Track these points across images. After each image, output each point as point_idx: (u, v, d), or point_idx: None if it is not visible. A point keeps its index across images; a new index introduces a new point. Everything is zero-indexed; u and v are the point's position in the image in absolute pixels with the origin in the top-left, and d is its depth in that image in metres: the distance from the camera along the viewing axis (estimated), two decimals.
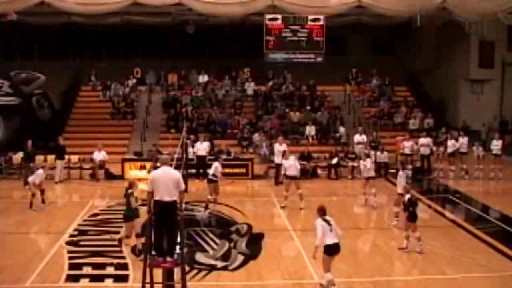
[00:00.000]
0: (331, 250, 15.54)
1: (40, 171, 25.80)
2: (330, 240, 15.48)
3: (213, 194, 24.82)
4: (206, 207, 24.62)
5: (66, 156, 32.20)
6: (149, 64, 44.64)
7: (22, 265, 18.09)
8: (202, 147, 31.80)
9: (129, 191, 19.02)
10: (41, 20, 38.98)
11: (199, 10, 36.01)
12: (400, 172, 23.17)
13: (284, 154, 27.86)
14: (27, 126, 35.59)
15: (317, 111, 40.63)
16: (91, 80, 44.33)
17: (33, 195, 25.10)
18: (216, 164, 24.89)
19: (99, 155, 31.97)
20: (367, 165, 25.98)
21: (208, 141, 33.49)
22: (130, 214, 18.85)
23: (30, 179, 25.55)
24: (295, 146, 35.22)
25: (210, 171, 25.04)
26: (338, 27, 38.97)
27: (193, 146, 31.77)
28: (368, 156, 28.35)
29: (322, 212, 15.96)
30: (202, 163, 31.29)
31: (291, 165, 25.48)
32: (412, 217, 19.42)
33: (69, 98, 42.87)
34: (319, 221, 15.70)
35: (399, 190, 22.30)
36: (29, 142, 31.26)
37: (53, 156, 32.11)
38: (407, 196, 19.71)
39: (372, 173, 26.06)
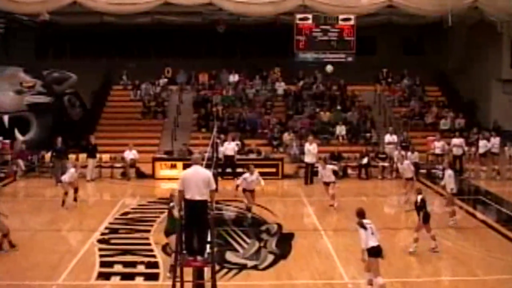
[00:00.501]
0: (375, 252, 15.45)
1: (72, 169, 26.00)
2: (373, 242, 15.43)
3: (250, 201, 24.08)
4: (249, 210, 24.15)
5: (98, 155, 32.45)
6: (179, 64, 44.76)
7: (54, 262, 18.25)
8: (230, 147, 31.89)
9: (171, 204, 18.27)
10: (73, 20, 39.32)
11: (230, 10, 36.14)
12: (449, 171, 23.12)
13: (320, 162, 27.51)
14: (59, 125, 35.95)
15: (348, 111, 40.55)
16: (122, 80, 44.61)
17: (66, 193, 25.33)
18: (246, 175, 24.08)
19: (130, 154, 32.20)
20: (405, 167, 26.09)
21: (238, 140, 33.64)
22: (172, 228, 17.18)
23: (63, 177, 25.79)
24: (325, 146, 35.23)
25: (238, 182, 24.30)
26: (368, 27, 38.79)
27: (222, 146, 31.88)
28: (404, 157, 28.38)
29: (360, 215, 15.91)
30: (230, 163, 31.40)
31: (328, 175, 25.35)
32: (425, 218, 19.22)
33: (100, 97, 43.23)
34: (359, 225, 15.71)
35: (449, 190, 22.34)
36: (59, 140, 31.58)
37: (85, 155, 32.36)
38: (420, 197, 19.52)
39: (411, 174, 26.07)
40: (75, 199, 25.61)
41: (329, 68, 36.55)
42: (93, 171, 31.70)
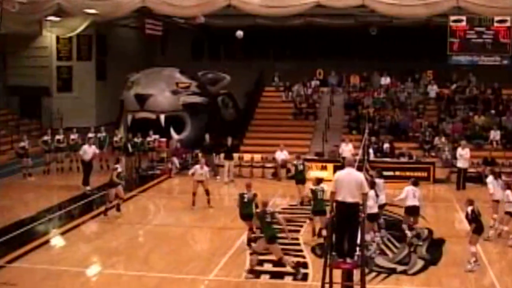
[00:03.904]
0: None
1: (196, 166, 26.63)
2: None
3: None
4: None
5: (243, 155, 32.96)
6: (331, 66, 44.81)
7: (206, 258, 18.81)
8: (347, 149, 31.81)
9: (269, 209, 18.41)
10: (228, 23, 40.17)
11: (383, 12, 35.80)
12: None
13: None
14: (212, 125, 36.81)
15: (503, 115, 39.44)
16: (274, 81, 45.14)
17: (194, 193, 25.88)
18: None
19: (281, 155, 32.48)
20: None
21: (388, 143, 33.60)
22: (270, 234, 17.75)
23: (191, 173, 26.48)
24: (479, 151, 34.39)
25: None
26: None
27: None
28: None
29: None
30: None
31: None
32: (478, 229, 18.38)
33: (253, 98, 43.90)
34: None
35: None
36: (207, 136, 32.85)
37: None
38: (470, 208, 18.48)
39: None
40: (208, 202, 25.88)
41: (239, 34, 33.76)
42: (231, 172, 31.98)
